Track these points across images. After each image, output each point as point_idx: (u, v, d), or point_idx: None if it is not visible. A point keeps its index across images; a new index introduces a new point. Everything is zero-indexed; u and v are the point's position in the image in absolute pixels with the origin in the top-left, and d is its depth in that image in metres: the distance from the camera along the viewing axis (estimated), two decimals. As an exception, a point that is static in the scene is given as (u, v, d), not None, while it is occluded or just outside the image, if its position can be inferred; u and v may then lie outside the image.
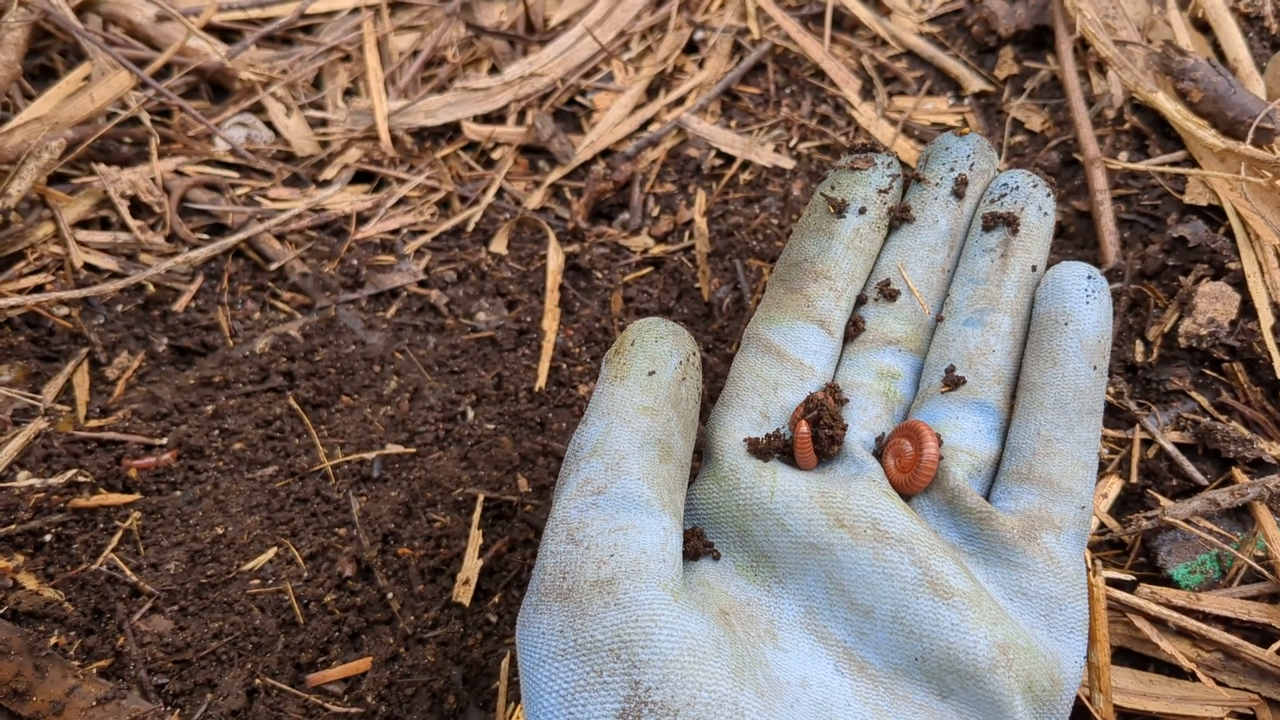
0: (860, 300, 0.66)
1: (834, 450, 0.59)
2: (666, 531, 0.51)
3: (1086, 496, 0.59)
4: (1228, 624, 0.66)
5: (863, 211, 0.65)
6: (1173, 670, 0.66)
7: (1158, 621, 0.66)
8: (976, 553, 0.57)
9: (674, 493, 0.54)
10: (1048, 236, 0.65)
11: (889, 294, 0.64)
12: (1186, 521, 0.68)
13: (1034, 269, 0.63)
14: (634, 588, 0.48)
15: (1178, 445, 0.74)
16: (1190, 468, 0.73)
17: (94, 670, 0.69)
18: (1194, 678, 0.64)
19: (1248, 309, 0.78)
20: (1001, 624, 0.52)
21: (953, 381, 0.61)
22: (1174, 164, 0.89)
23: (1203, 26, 0.99)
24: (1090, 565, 0.63)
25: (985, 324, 0.62)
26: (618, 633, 0.46)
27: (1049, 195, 0.65)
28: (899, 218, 0.67)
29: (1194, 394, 0.76)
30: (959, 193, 0.66)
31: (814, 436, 0.58)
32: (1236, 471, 0.72)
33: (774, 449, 0.59)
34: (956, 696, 0.51)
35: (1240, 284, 0.79)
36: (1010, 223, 0.64)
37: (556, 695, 0.46)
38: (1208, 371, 0.77)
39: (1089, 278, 0.61)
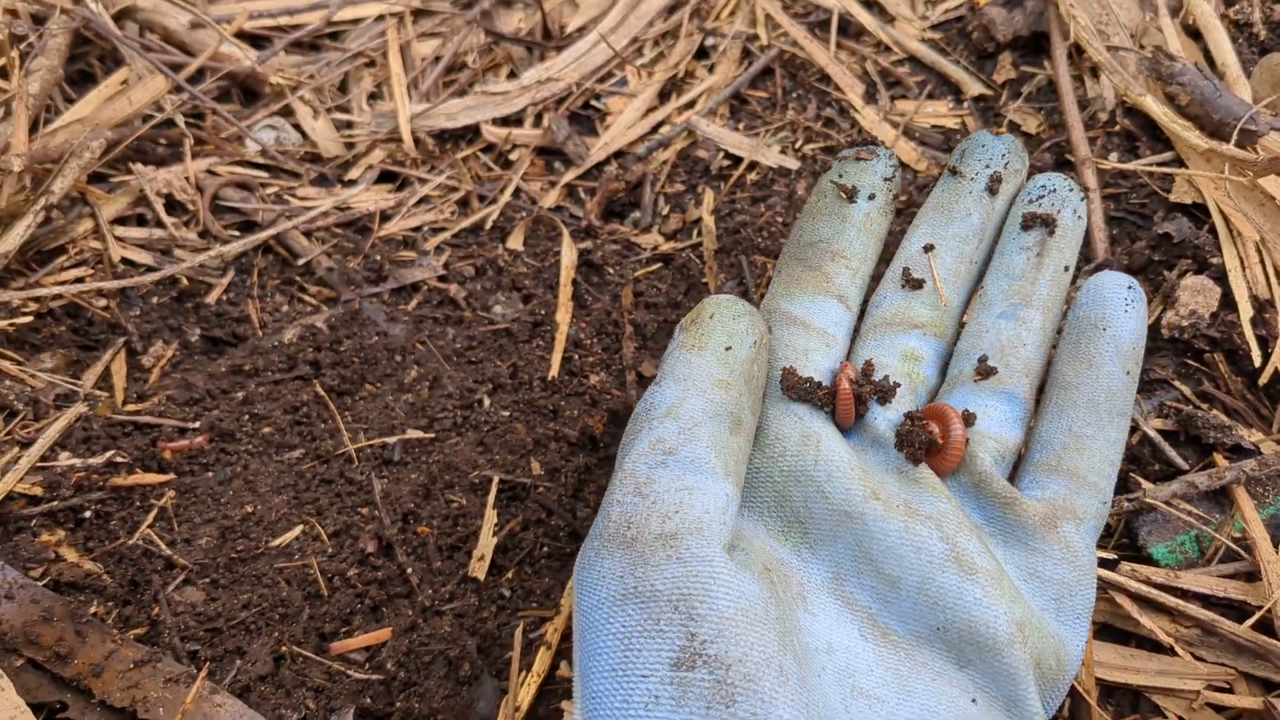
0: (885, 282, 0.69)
1: (865, 409, 0.61)
2: (728, 498, 0.53)
3: (1109, 492, 0.62)
4: (1205, 601, 0.69)
5: (872, 198, 0.68)
6: (1153, 645, 0.68)
7: (1138, 598, 0.68)
8: (997, 534, 0.59)
9: (738, 464, 0.56)
10: (1080, 239, 0.68)
11: (914, 282, 0.67)
12: (1167, 503, 0.71)
13: (1066, 269, 0.66)
14: (696, 544, 0.49)
15: (1160, 432, 0.77)
16: (1172, 453, 0.75)
17: (131, 637, 0.72)
18: (1173, 652, 0.67)
19: (1228, 302, 0.80)
20: (1019, 603, 0.55)
21: (985, 371, 0.63)
22: (1162, 164, 0.92)
23: (1193, 33, 1.02)
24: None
25: (1018, 318, 0.65)
26: (677, 585, 0.47)
27: (1083, 199, 0.68)
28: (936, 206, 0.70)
29: (1177, 383, 0.79)
30: (993, 190, 0.69)
31: (856, 396, 0.60)
32: (1216, 456, 0.74)
33: (810, 391, 0.60)
34: (974, 667, 0.54)
35: (1222, 278, 0.81)
36: (1048, 223, 0.67)
37: (614, 637, 0.47)
38: (1190, 362, 0.80)
39: (1129, 288, 0.64)
